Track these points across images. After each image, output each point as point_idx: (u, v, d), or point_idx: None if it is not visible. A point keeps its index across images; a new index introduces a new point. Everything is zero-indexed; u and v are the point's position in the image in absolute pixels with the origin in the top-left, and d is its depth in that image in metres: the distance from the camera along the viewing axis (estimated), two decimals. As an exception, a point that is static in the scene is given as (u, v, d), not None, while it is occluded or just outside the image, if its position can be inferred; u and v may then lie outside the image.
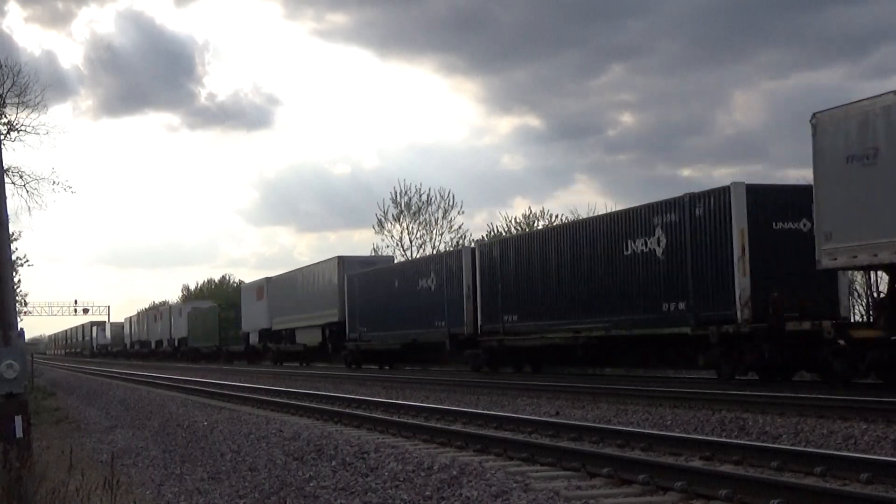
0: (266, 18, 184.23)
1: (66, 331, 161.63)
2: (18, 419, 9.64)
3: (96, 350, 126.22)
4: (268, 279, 59.78)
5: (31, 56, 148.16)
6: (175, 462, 13.32)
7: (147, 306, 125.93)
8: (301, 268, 55.60)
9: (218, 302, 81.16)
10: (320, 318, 48.66)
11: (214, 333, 70.69)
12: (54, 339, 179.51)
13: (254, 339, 60.30)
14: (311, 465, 11.24)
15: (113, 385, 36.14)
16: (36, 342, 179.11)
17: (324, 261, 50.10)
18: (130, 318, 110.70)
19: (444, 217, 65.14)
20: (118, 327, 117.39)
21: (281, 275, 59.00)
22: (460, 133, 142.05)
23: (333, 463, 11.11)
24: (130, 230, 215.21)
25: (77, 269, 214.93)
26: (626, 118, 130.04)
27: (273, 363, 56.52)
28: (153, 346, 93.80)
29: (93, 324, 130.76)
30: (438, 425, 14.36)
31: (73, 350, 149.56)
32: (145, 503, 10.41)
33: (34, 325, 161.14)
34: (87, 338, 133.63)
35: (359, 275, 44.85)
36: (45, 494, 8.46)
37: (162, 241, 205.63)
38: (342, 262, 47.35)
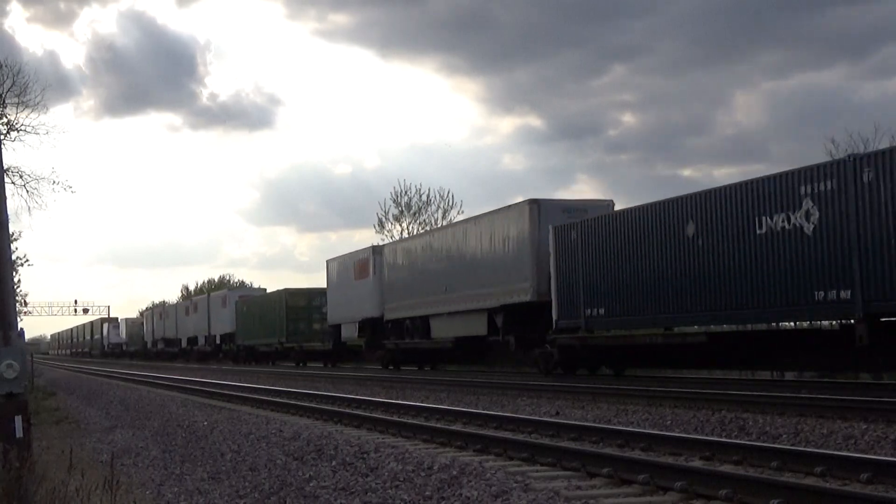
0: (268, 18, 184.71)
1: (71, 329, 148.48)
2: (18, 419, 9.65)
3: (108, 350, 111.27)
4: (376, 248, 44.08)
5: (33, 56, 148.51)
6: (175, 462, 13.32)
7: (146, 306, 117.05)
8: (440, 228, 45.24)
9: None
10: (490, 297, 31.34)
11: (279, 327, 55.25)
12: (58, 338, 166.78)
13: (349, 332, 45.33)
14: (311, 465, 11.24)
15: (113, 385, 36.13)
16: (37, 342, 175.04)
17: (497, 210, 32.44)
18: (152, 310, 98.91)
19: (443, 217, 65.06)
20: (135, 324, 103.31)
21: (402, 241, 45.79)
22: (461, 133, 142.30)
23: (333, 463, 11.11)
24: (131, 230, 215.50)
25: (78, 268, 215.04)
26: (628, 118, 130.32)
27: (384, 366, 42.09)
28: (183, 344, 78.01)
29: (104, 320, 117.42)
30: (438, 425, 14.35)
31: (79, 350, 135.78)
32: (145, 503, 10.40)
33: (34, 325, 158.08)
34: (96, 336, 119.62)
35: (577, 224, 27.14)
36: (45, 494, 8.46)
37: (162, 241, 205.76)
38: (538, 208, 29.56)
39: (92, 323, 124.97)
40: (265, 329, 57.71)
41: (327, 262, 48.55)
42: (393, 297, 40.26)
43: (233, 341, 65.46)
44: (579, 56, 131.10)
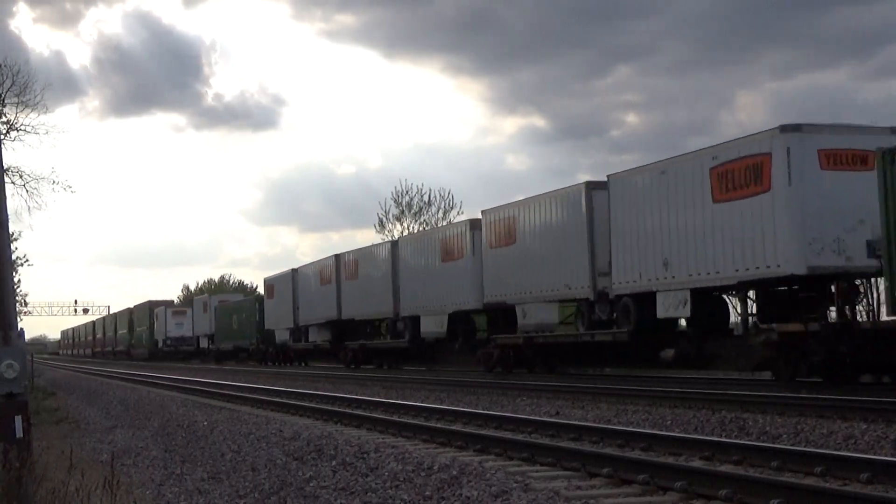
0: (274, 19, 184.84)
1: (91, 323, 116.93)
2: (18, 419, 9.65)
3: (167, 347, 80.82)
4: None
5: (39, 56, 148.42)
6: (175, 462, 13.31)
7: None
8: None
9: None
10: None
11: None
12: (71, 336, 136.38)
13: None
14: (311, 465, 11.24)
15: (113, 385, 36.13)
16: (39, 342, 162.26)
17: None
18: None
19: (444, 217, 65.11)
20: (203, 315, 75.62)
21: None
22: (465, 133, 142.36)
23: (333, 463, 11.11)
24: (133, 230, 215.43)
25: (79, 268, 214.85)
26: (631, 118, 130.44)
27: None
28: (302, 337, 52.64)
29: (153, 304, 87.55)
30: (438, 425, 14.35)
31: (108, 349, 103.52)
32: (145, 503, 10.40)
33: (34, 325, 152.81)
34: (140, 328, 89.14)
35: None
36: (45, 494, 8.46)
37: (164, 241, 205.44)
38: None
39: (131, 310, 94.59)
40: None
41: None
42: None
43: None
44: (584, 57, 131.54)
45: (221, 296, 78.06)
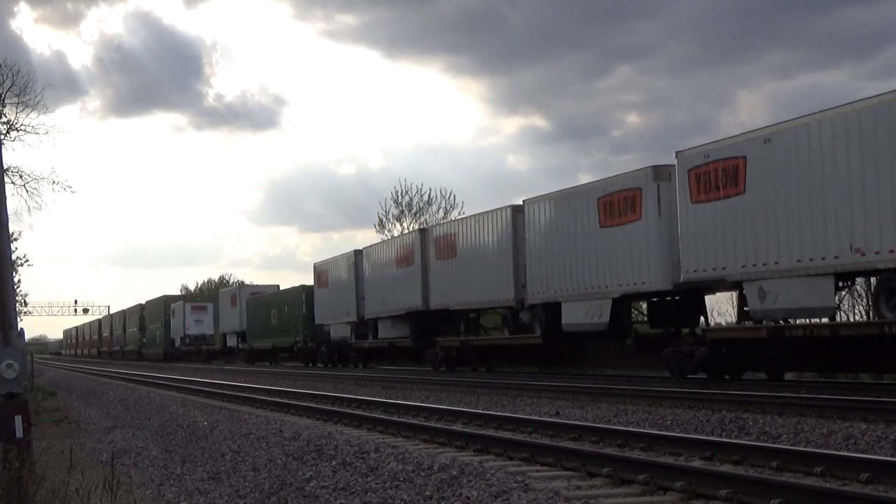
0: (275, 19, 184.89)
1: (98, 321, 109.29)
2: (18, 419, 9.66)
3: (186, 346, 72.28)
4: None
5: (41, 57, 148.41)
6: (175, 462, 13.31)
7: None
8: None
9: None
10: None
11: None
12: (77, 333, 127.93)
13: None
14: (311, 465, 11.24)
15: (113, 385, 36.13)
16: (40, 342, 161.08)
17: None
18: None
19: (444, 217, 65.13)
20: (231, 310, 65.98)
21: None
22: (466, 133, 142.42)
23: (333, 463, 11.11)
24: (134, 230, 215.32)
25: (81, 268, 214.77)
26: (632, 118, 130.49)
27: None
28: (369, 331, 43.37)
29: (169, 299, 79.80)
30: (438, 425, 14.35)
31: (117, 349, 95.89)
32: (145, 503, 10.41)
33: (34, 325, 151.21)
34: (153, 326, 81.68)
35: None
36: (45, 494, 8.47)
37: (165, 242, 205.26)
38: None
39: (143, 306, 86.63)
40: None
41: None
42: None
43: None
44: (585, 57, 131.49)
45: (253, 287, 67.65)
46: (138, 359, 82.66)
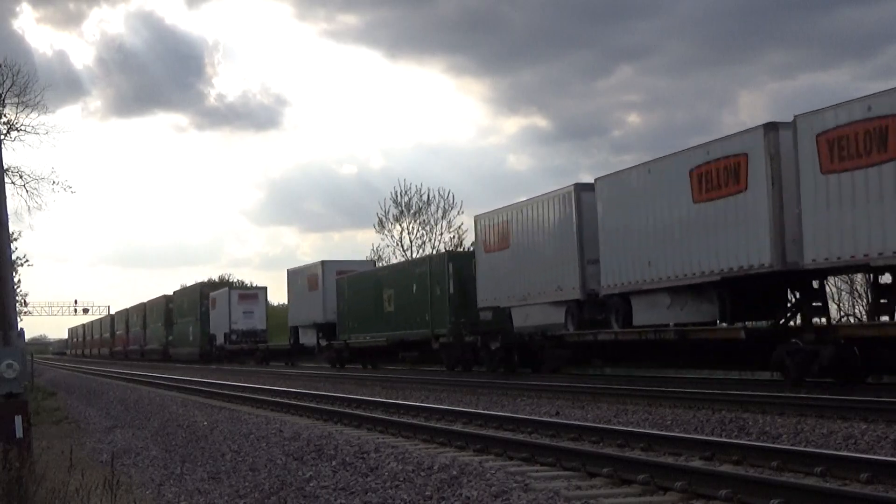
0: (276, 19, 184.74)
1: (110, 317, 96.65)
2: (18, 419, 9.67)
3: (231, 345, 58.42)
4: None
5: (43, 57, 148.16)
6: (175, 462, 13.31)
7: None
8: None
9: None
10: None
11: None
12: (84, 331, 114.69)
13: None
14: (311, 465, 11.24)
15: (113, 385, 36.12)
16: (40, 341, 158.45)
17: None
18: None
19: (443, 217, 64.92)
20: (309, 295, 48.44)
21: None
22: (467, 133, 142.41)
23: (333, 463, 11.11)
24: (135, 230, 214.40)
25: (81, 268, 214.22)
26: (633, 118, 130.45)
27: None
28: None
29: (207, 286, 67.54)
30: (438, 425, 14.35)
31: (135, 348, 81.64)
32: (145, 503, 10.41)
33: (34, 325, 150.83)
34: (185, 319, 66.49)
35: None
36: (45, 494, 8.47)
37: (166, 241, 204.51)
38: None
39: (168, 297, 72.22)
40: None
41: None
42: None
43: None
44: (585, 57, 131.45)
45: (341, 263, 47.81)
46: (162, 359, 69.41)
